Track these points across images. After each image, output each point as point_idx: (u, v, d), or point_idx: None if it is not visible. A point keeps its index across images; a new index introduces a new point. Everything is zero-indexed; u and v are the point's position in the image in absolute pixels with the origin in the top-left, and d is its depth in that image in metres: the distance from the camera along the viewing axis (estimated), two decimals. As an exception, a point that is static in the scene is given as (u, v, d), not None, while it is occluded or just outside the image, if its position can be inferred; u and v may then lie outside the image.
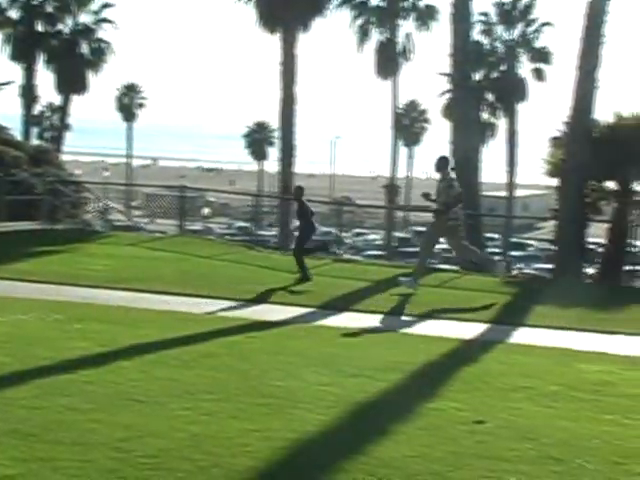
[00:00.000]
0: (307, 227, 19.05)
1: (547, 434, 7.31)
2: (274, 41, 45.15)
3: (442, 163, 17.16)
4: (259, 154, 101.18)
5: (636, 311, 15.65)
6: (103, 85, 76.09)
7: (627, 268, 21.83)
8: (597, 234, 24.82)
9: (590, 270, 23.58)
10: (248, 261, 20.73)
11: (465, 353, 11.39)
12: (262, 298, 15.57)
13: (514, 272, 29.15)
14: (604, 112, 23.64)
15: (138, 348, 10.37)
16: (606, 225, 22.78)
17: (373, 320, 13.93)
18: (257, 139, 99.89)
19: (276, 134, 59.54)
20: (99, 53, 58.25)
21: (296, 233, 21.43)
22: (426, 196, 17.29)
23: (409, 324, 13.72)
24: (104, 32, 58.54)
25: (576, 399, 8.76)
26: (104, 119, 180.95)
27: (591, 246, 25.24)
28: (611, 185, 22.94)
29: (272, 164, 70.51)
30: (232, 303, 14.87)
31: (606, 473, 6.34)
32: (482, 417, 7.74)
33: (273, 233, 45.28)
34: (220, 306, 14.44)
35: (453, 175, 17.31)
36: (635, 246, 22.18)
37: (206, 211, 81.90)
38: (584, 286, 20.73)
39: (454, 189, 16.87)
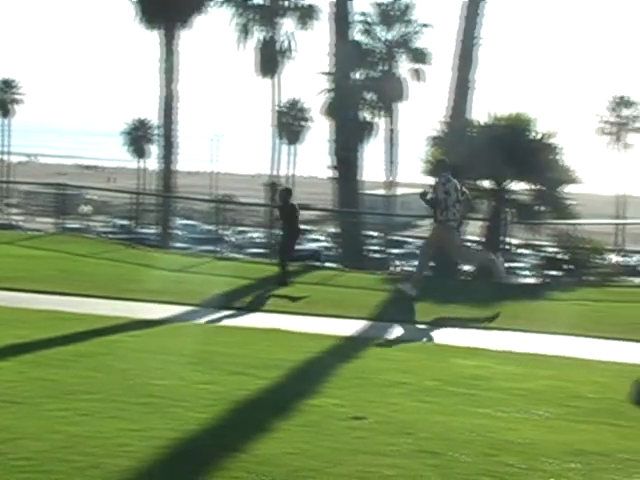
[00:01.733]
0: (292, 231, 18.20)
1: (424, 428, 7.45)
2: (154, 38, 44.87)
3: (439, 166, 16.86)
4: (139, 152, 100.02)
5: (510, 307, 16.03)
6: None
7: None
8: (473, 232, 25.34)
9: (467, 267, 24.08)
10: (128, 259, 20.53)
11: (345, 350, 11.51)
12: (142, 296, 15.43)
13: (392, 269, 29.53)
14: (480, 112, 24.21)
15: (15, 348, 10.17)
16: (481, 223, 23.29)
17: (254, 318, 13.96)
18: (137, 136, 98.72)
19: (156, 131, 59.08)
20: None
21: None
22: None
23: (290, 321, 13.79)
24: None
25: (452, 394, 8.94)
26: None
27: (468, 244, 25.78)
28: (486, 184, 23.48)
29: (153, 162, 69.79)
30: (111, 302, 14.70)
31: (479, 465, 6.50)
32: (361, 413, 7.83)
33: (153, 231, 44.86)
34: (99, 305, 14.27)
35: (450, 179, 16.53)
36: (509, 243, 22.75)
37: (85, 209, 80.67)
38: (461, 283, 21.15)
39: (436, 193, 16.32)
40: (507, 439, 7.22)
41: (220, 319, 13.77)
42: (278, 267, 17.72)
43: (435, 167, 16.98)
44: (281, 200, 18.51)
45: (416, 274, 17.10)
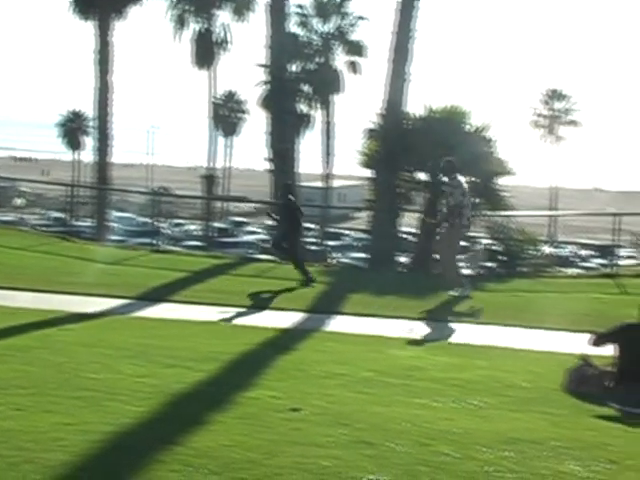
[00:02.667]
0: (293, 227, 17.87)
1: (360, 419, 7.50)
2: (89, 28, 44.50)
3: (448, 167, 16.85)
4: (74, 143, 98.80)
5: (445, 298, 16.18)
6: None
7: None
8: (409, 223, 25.48)
9: (403, 259, 24.23)
10: (63, 252, 20.33)
11: (282, 342, 11.52)
12: (77, 289, 15.29)
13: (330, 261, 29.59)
14: (416, 105, 24.37)
15: (-54, 344, 10.04)
16: (417, 215, 23.42)
17: (191, 311, 13.92)
18: (72, 128, 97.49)
19: (91, 123, 58.50)
20: None
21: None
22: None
23: (228, 314, 13.77)
24: None
25: (388, 384, 9.02)
26: None
27: (404, 235, 25.96)
28: (422, 176, 23.62)
29: (88, 154, 69.07)
30: (46, 295, 14.55)
31: (414, 454, 6.56)
32: (298, 405, 7.86)
33: (89, 224, 44.41)
34: (34, 298, 14.11)
35: (460, 179, 16.72)
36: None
37: (19, 201, 79.67)
38: (397, 274, 21.27)
39: (453, 197, 16.45)
40: (442, 429, 7.30)
41: (157, 312, 13.70)
42: (293, 263, 17.84)
43: (443, 169, 16.97)
44: (282, 196, 18.14)
45: (458, 279, 16.69)
